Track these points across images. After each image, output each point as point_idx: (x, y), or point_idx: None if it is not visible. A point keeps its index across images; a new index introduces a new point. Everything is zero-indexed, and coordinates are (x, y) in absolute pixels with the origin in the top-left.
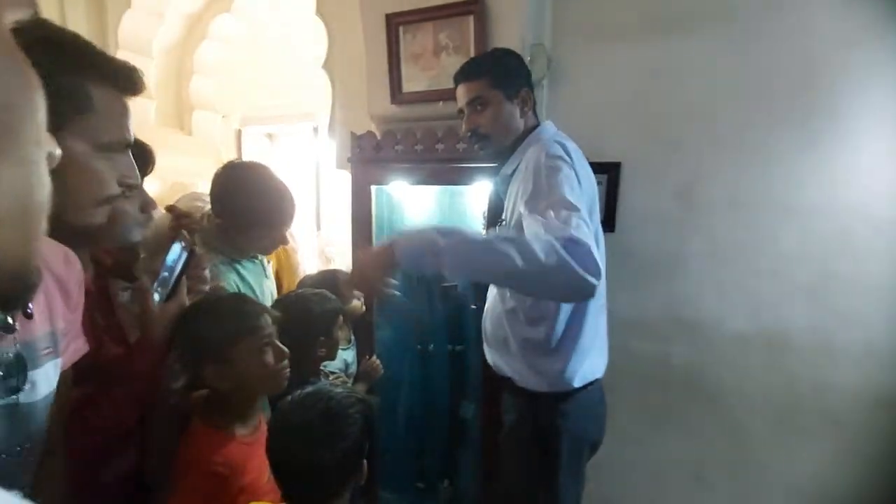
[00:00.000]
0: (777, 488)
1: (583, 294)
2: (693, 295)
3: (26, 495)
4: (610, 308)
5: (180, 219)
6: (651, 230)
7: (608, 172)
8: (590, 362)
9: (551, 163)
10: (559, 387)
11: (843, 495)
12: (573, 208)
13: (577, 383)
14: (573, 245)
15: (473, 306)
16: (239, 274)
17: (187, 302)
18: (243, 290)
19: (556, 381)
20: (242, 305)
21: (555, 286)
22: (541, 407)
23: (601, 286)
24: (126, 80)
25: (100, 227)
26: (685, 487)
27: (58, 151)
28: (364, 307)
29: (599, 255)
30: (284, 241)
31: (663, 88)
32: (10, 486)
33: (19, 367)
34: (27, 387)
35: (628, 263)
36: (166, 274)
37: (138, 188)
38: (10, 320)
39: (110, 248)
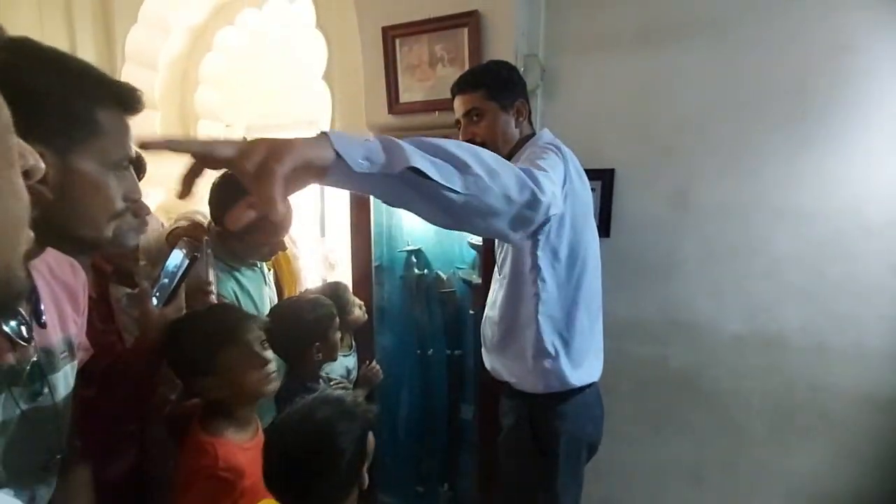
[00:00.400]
0: (774, 487)
1: (528, 208)
2: (689, 298)
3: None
4: (607, 311)
5: (198, 228)
6: (646, 234)
7: (602, 179)
8: (587, 364)
9: (540, 150)
10: (557, 389)
11: (839, 494)
12: (542, 169)
13: (574, 385)
14: (524, 167)
15: (471, 311)
16: (238, 282)
17: (184, 307)
18: (242, 298)
19: (554, 384)
20: (223, 315)
21: (498, 192)
22: (539, 410)
23: (597, 287)
24: (129, 101)
25: (108, 243)
26: (683, 488)
27: (41, 164)
28: (366, 315)
29: (553, 187)
30: (283, 247)
31: (656, 97)
32: (45, 485)
33: (40, 374)
34: (46, 391)
35: (624, 267)
36: (166, 280)
37: (140, 200)
38: (24, 331)
39: (110, 255)
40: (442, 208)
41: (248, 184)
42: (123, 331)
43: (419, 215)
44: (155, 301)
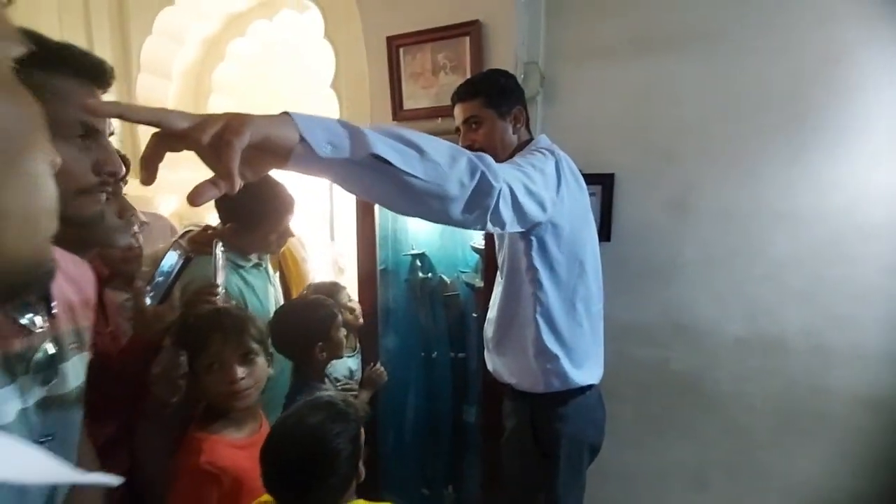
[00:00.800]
0: (776, 490)
1: (480, 193)
2: (689, 301)
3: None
4: (608, 315)
5: (208, 232)
6: (646, 239)
7: (602, 184)
8: (588, 366)
9: (530, 154)
10: (558, 388)
11: (840, 495)
12: (519, 166)
13: (575, 386)
14: (479, 154)
15: (475, 315)
16: (243, 279)
17: (178, 306)
18: (247, 294)
19: (555, 383)
20: (210, 321)
21: (454, 178)
22: (540, 411)
23: (597, 290)
24: (81, 68)
25: (88, 222)
26: (685, 491)
27: (58, 159)
28: (359, 320)
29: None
30: (290, 234)
31: (655, 104)
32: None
33: (51, 361)
34: (57, 379)
35: (624, 271)
36: (161, 279)
37: (118, 175)
38: (36, 320)
39: (108, 258)
40: (401, 193)
41: (203, 157)
42: (123, 335)
43: (376, 201)
44: (149, 300)
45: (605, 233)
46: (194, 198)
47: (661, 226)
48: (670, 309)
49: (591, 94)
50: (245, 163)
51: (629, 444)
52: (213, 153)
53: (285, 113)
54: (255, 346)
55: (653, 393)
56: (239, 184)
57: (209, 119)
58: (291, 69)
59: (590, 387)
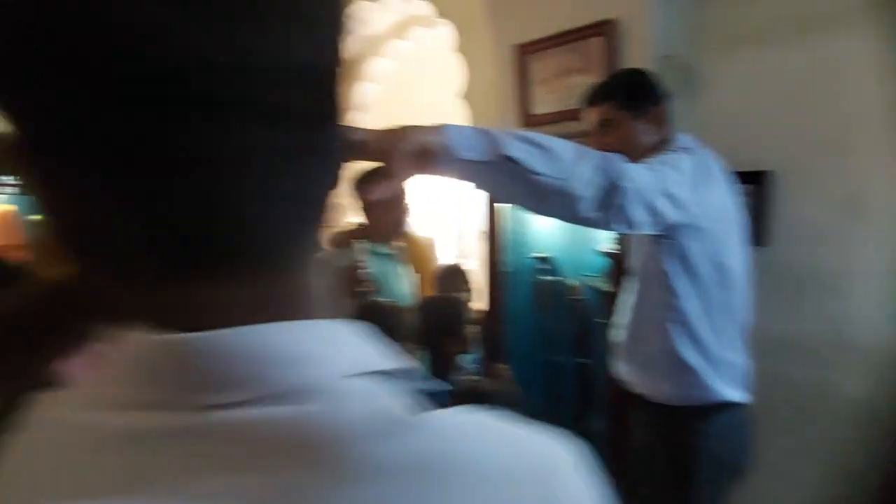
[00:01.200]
0: None
1: (608, 192)
2: (861, 315)
3: None
4: (762, 327)
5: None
6: (811, 243)
7: (757, 182)
8: (731, 381)
9: (664, 154)
10: (696, 402)
11: None
12: (650, 165)
13: (715, 401)
14: (609, 153)
15: (601, 320)
16: (383, 269)
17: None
18: (385, 284)
19: (692, 398)
20: (366, 316)
21: (581, 177)
22: (675, 426)
23: (741, 299)
24: None
25: None
26: None
27: None
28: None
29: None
30: (407, 212)
31: (821, 90)
32: None
33: None
34: None
35: (784, 280)
36: None
37: None
38: None
39: None
40: (530, 192)
41: (379, 160)
42: None
43: (508, 201)
44: None
45: (760, 236)
46: (376, 192)
47: (829, 228)
48: (837, 323)
49: (744, 85)
50: (405, 165)
51: (782, 474)
52: (384, 157)
53: (440, 125)
54: (404, 342)
55: (813, 419)
56: (404, 181)
57: (380, 132)
58: (425, 83)
59: (734, 404)
